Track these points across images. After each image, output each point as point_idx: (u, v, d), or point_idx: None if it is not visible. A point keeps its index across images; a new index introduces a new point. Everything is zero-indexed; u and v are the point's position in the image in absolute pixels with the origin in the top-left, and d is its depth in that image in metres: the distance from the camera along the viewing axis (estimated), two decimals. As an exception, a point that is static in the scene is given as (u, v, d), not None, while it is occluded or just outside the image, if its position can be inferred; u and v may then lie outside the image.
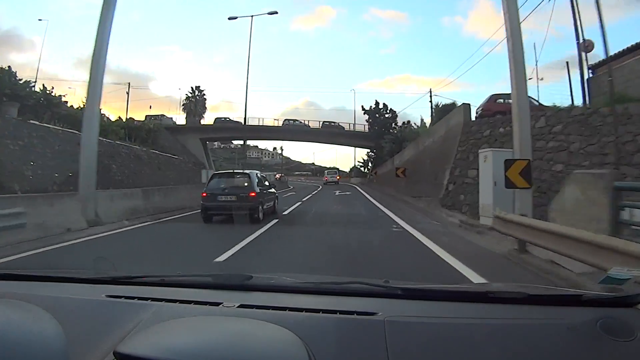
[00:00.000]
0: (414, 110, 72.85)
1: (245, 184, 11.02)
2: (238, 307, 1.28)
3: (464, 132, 15.70)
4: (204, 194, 10.78)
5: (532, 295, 1.43)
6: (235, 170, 13.88)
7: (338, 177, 46.09)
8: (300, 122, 50.03)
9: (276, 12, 29.61)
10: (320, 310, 1.25)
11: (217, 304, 1.30)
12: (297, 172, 50.89)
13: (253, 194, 10.68)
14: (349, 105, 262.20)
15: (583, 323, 1.16)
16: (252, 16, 26.97)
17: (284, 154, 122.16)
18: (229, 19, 27.47)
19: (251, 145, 77.07)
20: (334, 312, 1.24)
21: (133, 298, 1.36)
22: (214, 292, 1.50)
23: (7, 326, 0.98)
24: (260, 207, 10.81)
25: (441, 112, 26.60)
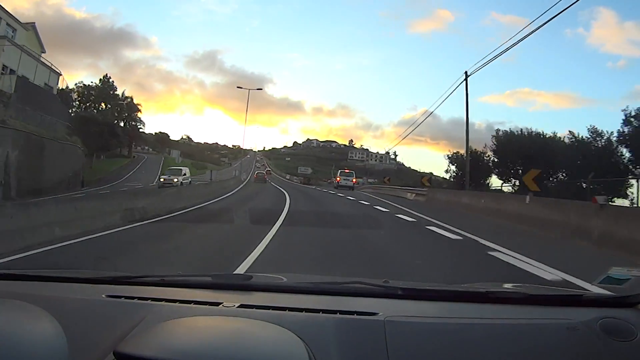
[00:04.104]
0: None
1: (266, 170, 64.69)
2: (238, 307, 1.27)
3: None
4: (255, 176, 45.29)
5: (532, 295, 1.43)
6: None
7: (354, 181, 35.14)
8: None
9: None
10: (320, 310, 1.25)
11: (217, 304, 1.30)
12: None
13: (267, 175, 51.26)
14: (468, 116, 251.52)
15: (583, 323, 1.16)
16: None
17: (398, 159, 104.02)
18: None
19: (356, 147, 73.88)
20: (334, 312, 1.24)
21: (133, 298, 1.36)
22: (213, 292, 1.49)
23: (7, 326, 0.98)
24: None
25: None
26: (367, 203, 17.39)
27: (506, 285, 1.73)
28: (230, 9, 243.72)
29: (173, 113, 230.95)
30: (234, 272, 4.20)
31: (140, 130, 78.03)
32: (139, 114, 74.36)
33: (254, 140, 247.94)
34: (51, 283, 1.58)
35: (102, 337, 1.08)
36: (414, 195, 21.94)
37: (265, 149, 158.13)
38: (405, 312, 1.27)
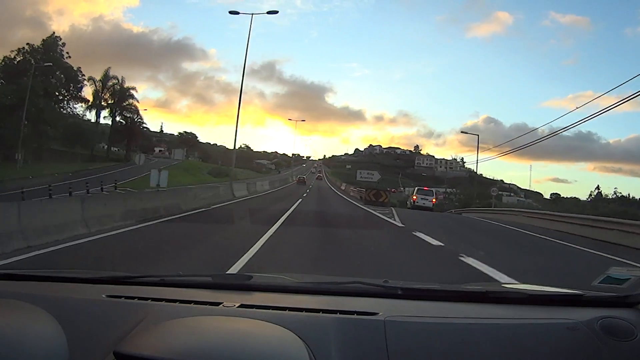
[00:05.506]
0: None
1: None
2: (238, 307, 1.27)
3: None
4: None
5: (532, 295, 1.43)
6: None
7: (433, 200, 31.40)
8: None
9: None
10: (320, 310, 1.25)
11: (217, 304, 1.30)
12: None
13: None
14: (530, 122, 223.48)
15: (583, 323, 1.16)
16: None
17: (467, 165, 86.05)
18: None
19: (422, 153, 69.57)
20: (334, 312, 1.24)
21: (133, 298, 1.36)
22: (214, 292, 1.49)
23: (8, 326, 0.98)
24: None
25: None
26: None
27: (506, 286, 1.73)
28: (288, 21, 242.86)
29: (233, 124, 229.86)
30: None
31: (144, 126, 59.22)
32: (136, 104, 53.67)
33: (314, 148, 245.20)
34: (51, 283, 1.58)
35: (102, 337, 1.07)
36: None
37: (325, 157, 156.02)
38: (405, 312, 1.27)
